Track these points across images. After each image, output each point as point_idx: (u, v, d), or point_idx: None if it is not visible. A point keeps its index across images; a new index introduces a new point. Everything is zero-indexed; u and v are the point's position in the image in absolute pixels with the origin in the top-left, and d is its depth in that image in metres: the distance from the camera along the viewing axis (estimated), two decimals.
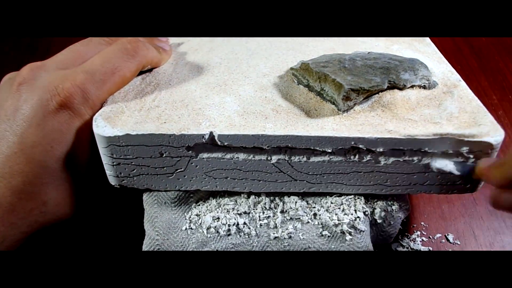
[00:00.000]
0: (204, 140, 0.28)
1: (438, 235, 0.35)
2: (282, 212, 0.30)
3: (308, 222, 0.30)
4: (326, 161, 0.29)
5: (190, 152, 0.29)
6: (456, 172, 0.28)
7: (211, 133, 0.28)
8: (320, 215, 0.30)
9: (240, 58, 0.36)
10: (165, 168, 0.30)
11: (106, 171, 0.30)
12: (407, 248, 0.34)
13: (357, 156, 0.29)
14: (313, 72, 0.30)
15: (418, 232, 0.35)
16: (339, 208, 0.30)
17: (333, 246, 0.29)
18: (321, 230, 0.29)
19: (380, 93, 0.30)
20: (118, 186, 0.31)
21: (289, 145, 0.28)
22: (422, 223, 0.36)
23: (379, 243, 0.33)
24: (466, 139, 0.27)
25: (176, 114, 0.29)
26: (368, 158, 0.29)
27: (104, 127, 0.28)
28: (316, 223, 0.30)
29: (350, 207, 0.30)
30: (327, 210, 0.30)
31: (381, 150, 0.28)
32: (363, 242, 0.29)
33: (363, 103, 0.30)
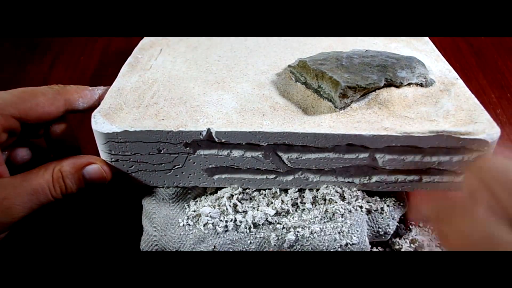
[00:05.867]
0: (201, 137, 0.28)
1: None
2: (278, 208, 0.31)
3: (306, 220, 0.30)
4: (322, 158, 0.29)
5: (187, 148, 0.29)
6: None
7: (208, 129, 0.28)
8: (316, 212, 0.30)
9: (239, 55, 0.37)
10: (163, 164, 0.30)
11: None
12: (403, 244, 0.34)
13: (354, 154, 0.29)
14: (310, 70, 0.31)
15: (416, 229, 0.35)
16: (336, 204, 0.30)
17: (328, 241, 0.29)
18: (318, 226, 0.29)
19: (377, 91, 0.30)
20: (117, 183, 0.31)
21: (286, 142, 0.28)
22: None
23: (376, 240, 0.33)
24: (462, 136, 0.27)
25: (174, 111, 0.29)
26: (364, 156, 0.29)
27: (102, 123, 0.28)
28: (313, 220, 0.30)
29: (351, 206, 0.31)
30: (324, 208, 0.31)
31: (377, 147, 0.28)
32: (360, 239, 0.29)
33: (360, 100, 0.30)
